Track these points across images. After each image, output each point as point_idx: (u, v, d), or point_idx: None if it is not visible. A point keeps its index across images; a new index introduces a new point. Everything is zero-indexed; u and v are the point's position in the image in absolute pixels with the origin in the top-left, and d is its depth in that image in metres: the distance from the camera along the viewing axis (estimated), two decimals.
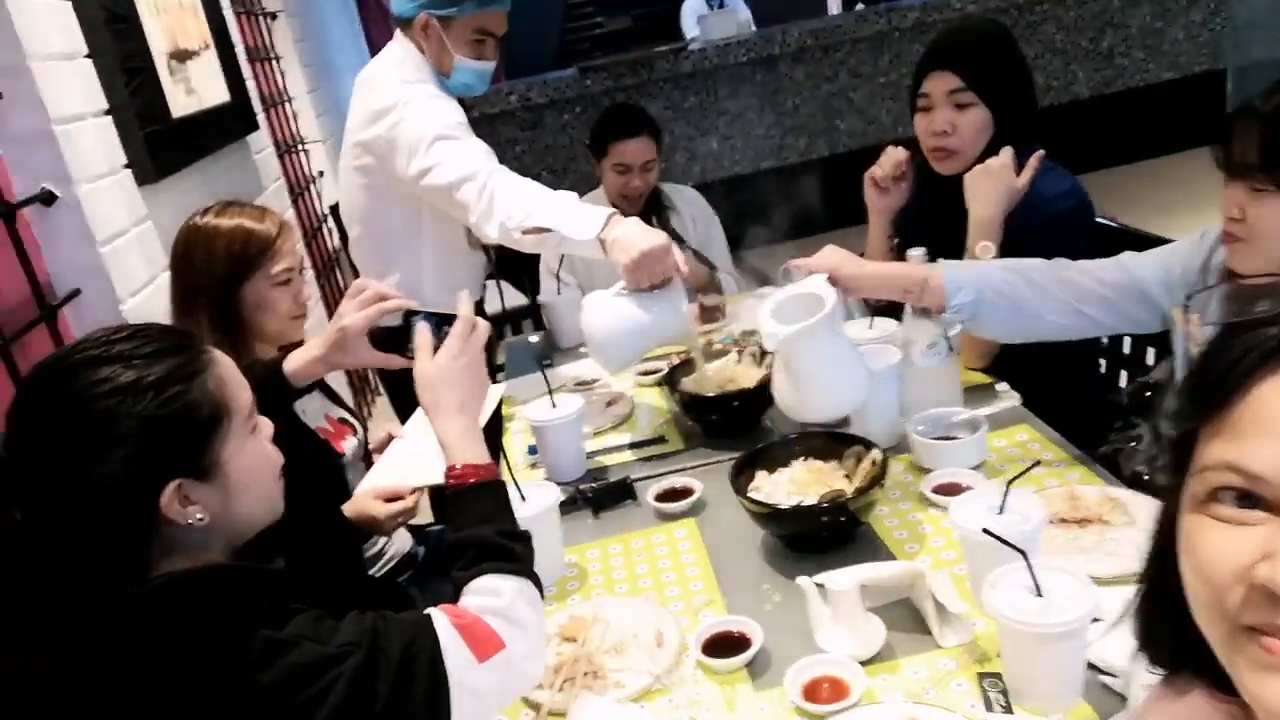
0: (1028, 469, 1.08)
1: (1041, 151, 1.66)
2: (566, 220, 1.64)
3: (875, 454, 1.28)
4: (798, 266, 1.36)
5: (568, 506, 1.47)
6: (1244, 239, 1.06)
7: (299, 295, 1.60)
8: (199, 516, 0.86)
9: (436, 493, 1.89)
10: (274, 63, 3.87)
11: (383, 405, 3.43)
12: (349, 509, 1.52)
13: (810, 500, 1.25)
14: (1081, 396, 1.83)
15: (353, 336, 1.33)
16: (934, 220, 1.79)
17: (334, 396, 1.74)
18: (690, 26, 6.16)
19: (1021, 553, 0.93)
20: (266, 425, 0.96)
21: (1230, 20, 5.57)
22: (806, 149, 5.49)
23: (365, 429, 1.77)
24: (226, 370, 0.91)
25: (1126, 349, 1.94)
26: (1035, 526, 1.03)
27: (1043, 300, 1.31)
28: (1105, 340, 1.94)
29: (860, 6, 6.28)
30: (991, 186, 1.62)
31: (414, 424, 1.68)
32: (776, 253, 4.03)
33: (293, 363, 1.37)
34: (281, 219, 1.60)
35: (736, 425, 1.65)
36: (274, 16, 4.02)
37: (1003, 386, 1.62)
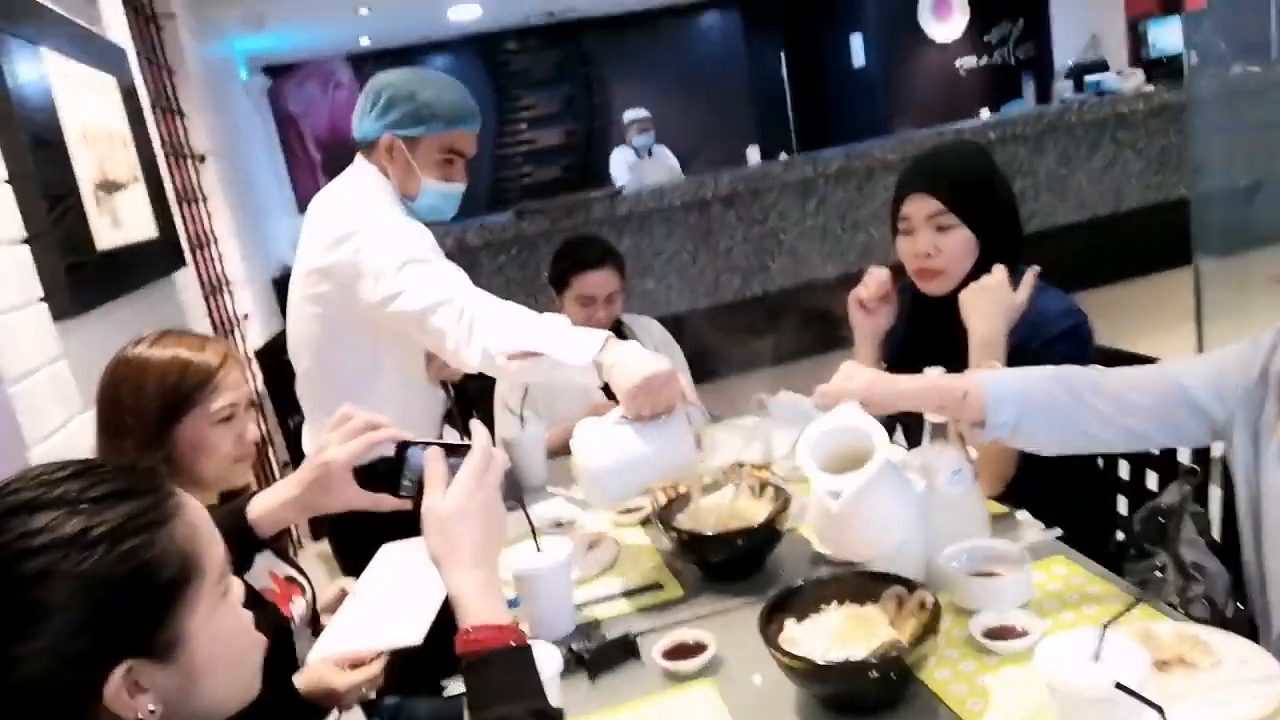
0: (1128, 608, 0.95)
1: (1037, 268, 1.62)
2: (559, 343, 1.50)
3: (924, 596, 1.14)
4: (824, 394, 1.24)
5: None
6: None
7: (244, 434, 1.41)
8: (150, 709, 0.65)
9: (397, 657, 1.64)
10: (201, 204, 3.75)
11: (307, 559, 3.13)
12: (301, 682, 1.28)
13: (857, 653, 1.09)
14: (1088, 525, 1.74)
15: (338, 473, 1.14)
16: (924, 343, 1.72)
17: (281, 551, 1.52)
18: (620, 175, 6.30)
19: (1158, 709, 0.78)
20: (238, 587, 0.77)
21: (1126, 167, 5.95)
22: (741, 288, 5.56)
23: (313, 588, 1.54)
24: (198, 517, 0.73)
25: (1125, 473, 1.87)
26: (1145, 676, 0.89)
27: (1084, 412, 1.21)
28: (1100, 462, 1.87)
29: (784, 156, 6.54)
30: (991, 303, 1.57)
31: (373, 576, 1.46)
32: (725, 388, 3.97)
33: (260, 506, 1.17)
34: (227, 349, 1.43)
35: (741, 567, 1.49)
36: (203, 159, 3.94)
37: (1024, 515, 1.51)
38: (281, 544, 1.52)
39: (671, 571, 1.55)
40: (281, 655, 1.33)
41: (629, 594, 1.50)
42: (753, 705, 1.17)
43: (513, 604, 1.48)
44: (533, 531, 1.40)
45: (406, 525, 1.60)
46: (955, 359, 1.56)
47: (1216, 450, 1.74)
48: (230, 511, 1.17)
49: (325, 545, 2.34)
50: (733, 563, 1.48)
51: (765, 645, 1.12)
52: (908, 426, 1.79)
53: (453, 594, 0.89)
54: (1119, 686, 0.82)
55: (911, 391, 1.25)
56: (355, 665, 1.29)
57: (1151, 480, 1.83)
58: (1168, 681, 1.04)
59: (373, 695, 1.29)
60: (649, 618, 1.42)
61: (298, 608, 1.44)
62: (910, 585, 1.17)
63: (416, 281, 1.61)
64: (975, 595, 1.24)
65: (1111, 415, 1.21)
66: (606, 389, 1.49)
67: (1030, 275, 1.60)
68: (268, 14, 5.61)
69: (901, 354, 1.79)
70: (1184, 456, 1.71)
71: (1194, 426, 1.21)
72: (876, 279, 1.80)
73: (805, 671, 1.08)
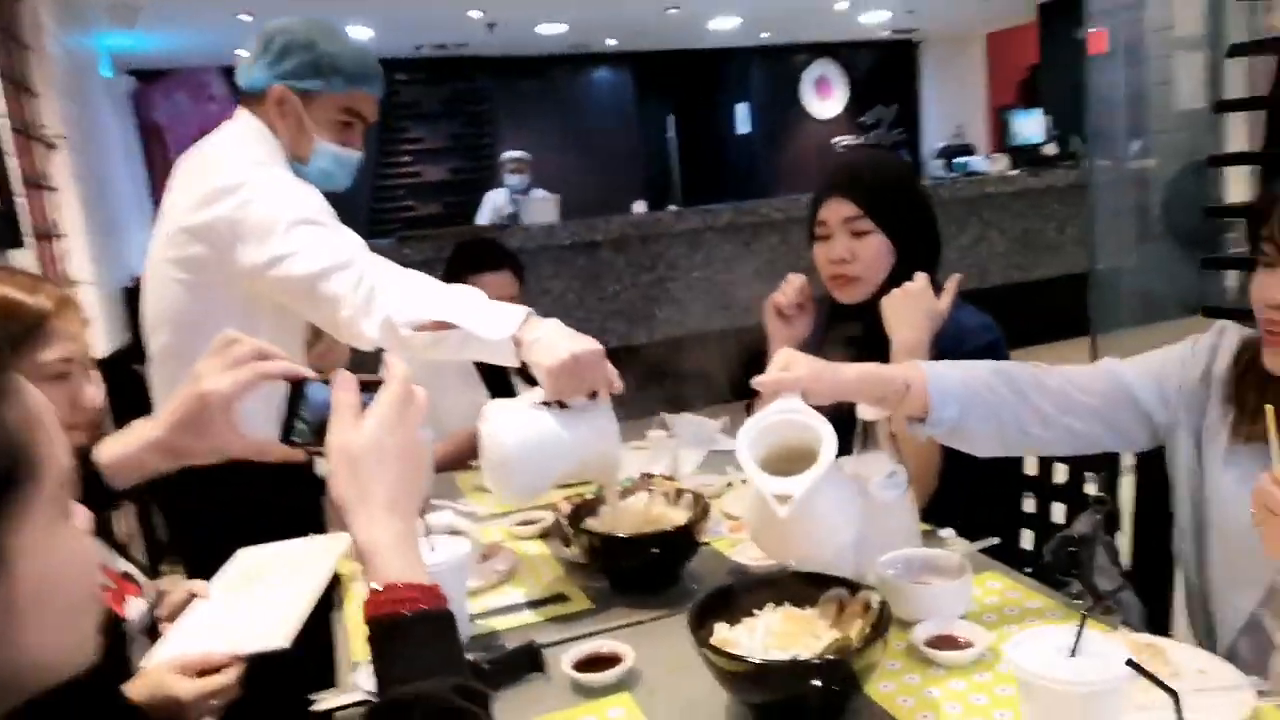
0: (1090, 610, 0.87)
1: (960, 276, 1.61)
2: (473, 315, 1.35)
3: (869, 597, 1.03)
4: (763, 385, 1.14)
5: None
6: None
7: (79, 397, 1.19)
8: None
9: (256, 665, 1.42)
10: (49, 192, 3.41)
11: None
12: (136, 691, 1.06)
13: (802, 655, 0.97)
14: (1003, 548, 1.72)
15: (217, 408, 0.93)
16: (840, 355, 1.67)
17: (117, 543, 1.28)
18: (485, 217, 6.26)
19: (1173, 694, 0.70)
20: (84, 515, 0.59)
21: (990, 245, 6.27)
22: (626, 334, 5.48)
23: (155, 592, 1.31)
24: (39, 407, 0.55)
25: (1030, 508, 1.85)
26: (1128, 673, 0.81)
27: (1025, 410, 1.16)
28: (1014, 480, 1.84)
29: (672, 208, 6.58)
30: (914, 310, 1.53)
31: (229, 577, 1.25)
32: None
33: (113, 450, 0.97)
34: (66, 294, 1.21)
35: (655, 577, 1.35)
36: (53, 145, 3.60)
37: (948, 533, 1.44)
38: (120, 532, 1.29)
39: (577, 584, 1.40)
40: (114, 662, 1.10)
41: (533, 605, 1.34)
42: (677, 719, 1.03)
43: None
44: (426, 531, 1.23)
45: (277, 528, 1.41)
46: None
47: (1130, 457, 1.76)
48: (74, 454, 0.95)
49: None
50: (647, 571, 1.34)
51: (696, 648, 0.99)
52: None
53: (363, 546, 0.73)
54: (1130, 663, 0.73)
55: (853, 382, 1.17)
56: (205, 672, 1.08)
57: (1058, 513, 1.82)
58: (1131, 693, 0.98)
59: (221, 709, 1.07)
60: (555, 629, 1.26)
61: (134, 609, 1.21)
62: (852, 587, 1.07)
63: (309, 243, 1.43)
64: (916, 604, 1.15)
65: (1053, 415, 1.16)
66: (526, 374, 1.34)
67: (952, 283, 1.58)
68: (141, 8, 5.26)
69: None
70: (1091, 479, 1.70)
71: (1136, 429, 1.18)
72: (795, 285, 1.74)
73: (744, 674, 0.95)
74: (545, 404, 1.28)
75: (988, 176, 6.48)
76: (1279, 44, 1.86)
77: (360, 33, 6.92)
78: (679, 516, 1.39)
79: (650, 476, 1.63)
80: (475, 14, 6.92)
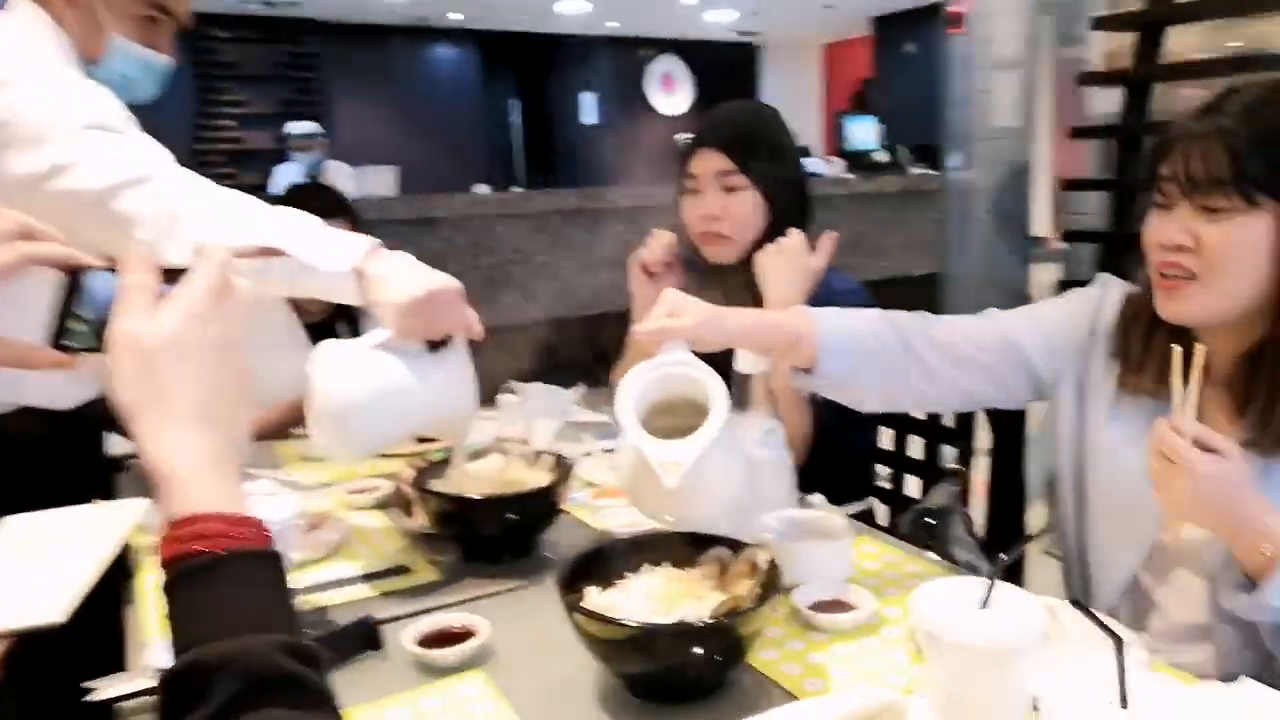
0: (1028, 539, 0.81)
1: (835, 234, 1.56)
2: (308, 242, 1.16)
3: (756, 556, 0.94)
4: (648, 333, 1.02)
5: None
6: (1197, 275, 0.94)
7: None
8: None
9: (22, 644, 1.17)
10: None
11: None
12: None
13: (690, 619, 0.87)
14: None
15: None
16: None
17: None
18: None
19: (1118, 639, 0.63)
20: None
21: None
22: None
23: None
24: None
25: (885, 480, 1.84)
26: (1046, 625, 0.75)
27: (912, 364, 1.10)
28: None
29: (517, 190, 6.40)
30: (789, 266, 1.47)
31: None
32: None
33: None
34: None
35: (511, 546, 1.22)
36: None
37: (817, 498, 1.38)
38: None
39: (421, 556, 1.24)
40: None
41: (369, 578, 1.17)
42: (540, 697, 0.91)
43: None
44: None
45: (53, 495, 1.17)
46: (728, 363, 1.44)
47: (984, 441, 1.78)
48: None
49: None
50: (502, 539, 1.21)
51: (567, 614, 0.87)
52: None
53: (155, 464, 0.56)
54: (1075, 603, 0.67)
55: (742, 329, 1.07)
56: None
57: (912, 486, 1.82)
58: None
59: None
60: (395, 604, 1.10)
61: None
62: (735, 546, 0.98)
63: (98, 152, 1.19)
64: (798, 567, 1.06)
65: (940, 368, 1.11)
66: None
67: (828, 240, 1.53)
68: None
69: None
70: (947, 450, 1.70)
71: (1021, 384, 1.14)
72: (662, 241, 1.65)
73: (623, 641, 0.84)
74: (391, 348, 1.12)
75: (825, 179, 6.67)
76: (1125, 76, 1.94)
77: None
78: (539, 479, 1.26)
79: (504, 440, 1.49)
80: None
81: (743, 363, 1.17)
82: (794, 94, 10.53)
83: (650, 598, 0.90)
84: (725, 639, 0.84)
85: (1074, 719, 0.61)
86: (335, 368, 1.08)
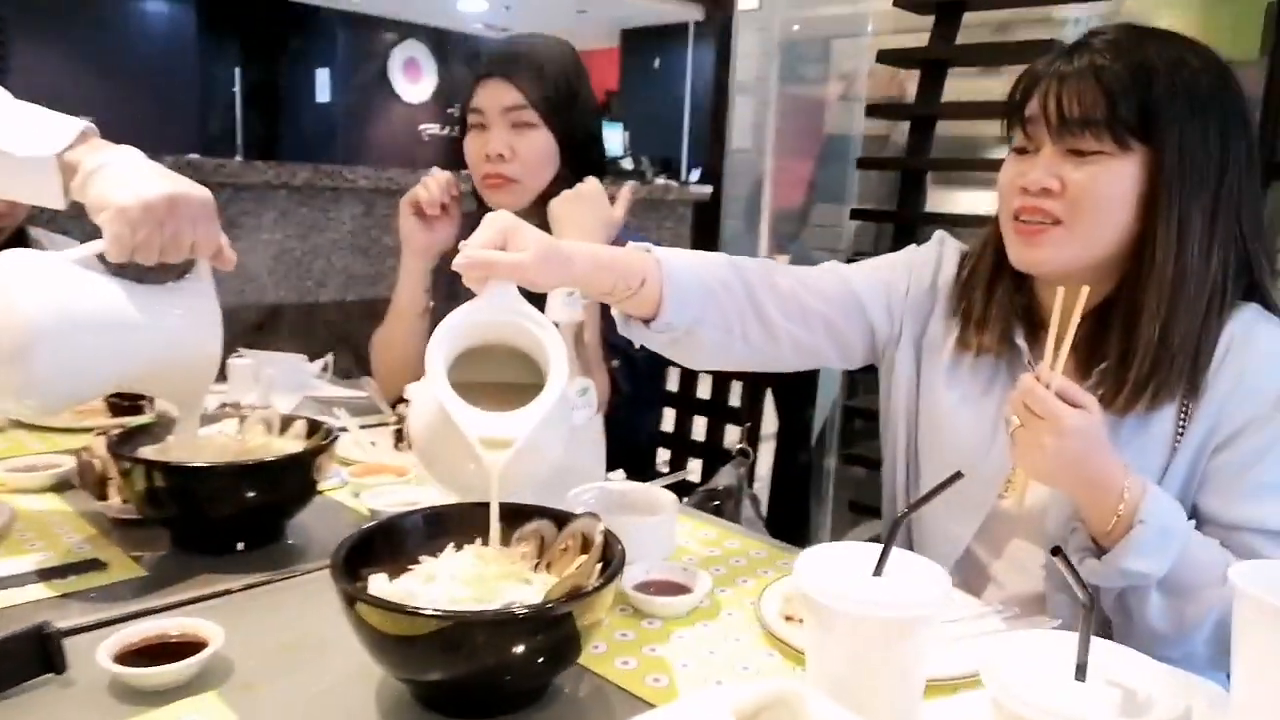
0: (943, 486, 0.69)
1: (634, 184, 1.43)
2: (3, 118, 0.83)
3: (589, 528, 0.76)
4: (475, 265, 0.78)
5: None
6: (1062, 221, 0.88)
7: None
8: None
9: None
10: None
11: None
12: None
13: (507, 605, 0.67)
14: None
15: None
16: None
17: None
18: None
19: (1091, 598, 0.52)
20: None
21: None
22: None
23: None
24: None
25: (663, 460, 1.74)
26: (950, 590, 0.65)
27: (750, 314, 0.96)
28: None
29: (238, 159, 5.75)
30: (588, 215, 1.32)
31: None
32: None
33: None
34: None
35: (249, 532, 0.95)
36: None
37: (616, 474, 1.23)
38: None
39: (120, 547, 0.94)
40: None
41: (44, 575, 0.86)
42: None
43: None
44: None
45: None
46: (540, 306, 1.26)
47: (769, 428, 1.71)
48: None
49: None
50: (240, 522, 0.94)
51: (347, 607, 0.64)
52: None
53: None
54: (1054, 551, 0.55)
55: (584, 270, 0.87)
56: None
57: (694, 468, 1.73)
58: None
59: None
60: (83, 609, 0.81)
61: None
62: (557, 517, 0.79)
63: None
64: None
65: (779, 321, 0.99)
66: None
67: (628, 190, 1.39)
68: None
69: (459, 285, 1.44)
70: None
71: (858, 341, 1.05)
72: (440, 180, 1.44)
73: (430, 636, 0.62)
74: (108, 268, 0.83)
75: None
76: (905, 108, 1.99)
77: None
78: (290, 447, 1.00)
79: (239, 405, 1.21)
80: None
81: (555, 310, 0.99)
82: None
83: (460, 584, 0.70)
84: (561, 629, 0.66)
85: (1030, 693, 0.50)
86: (17, 282, 0.77)
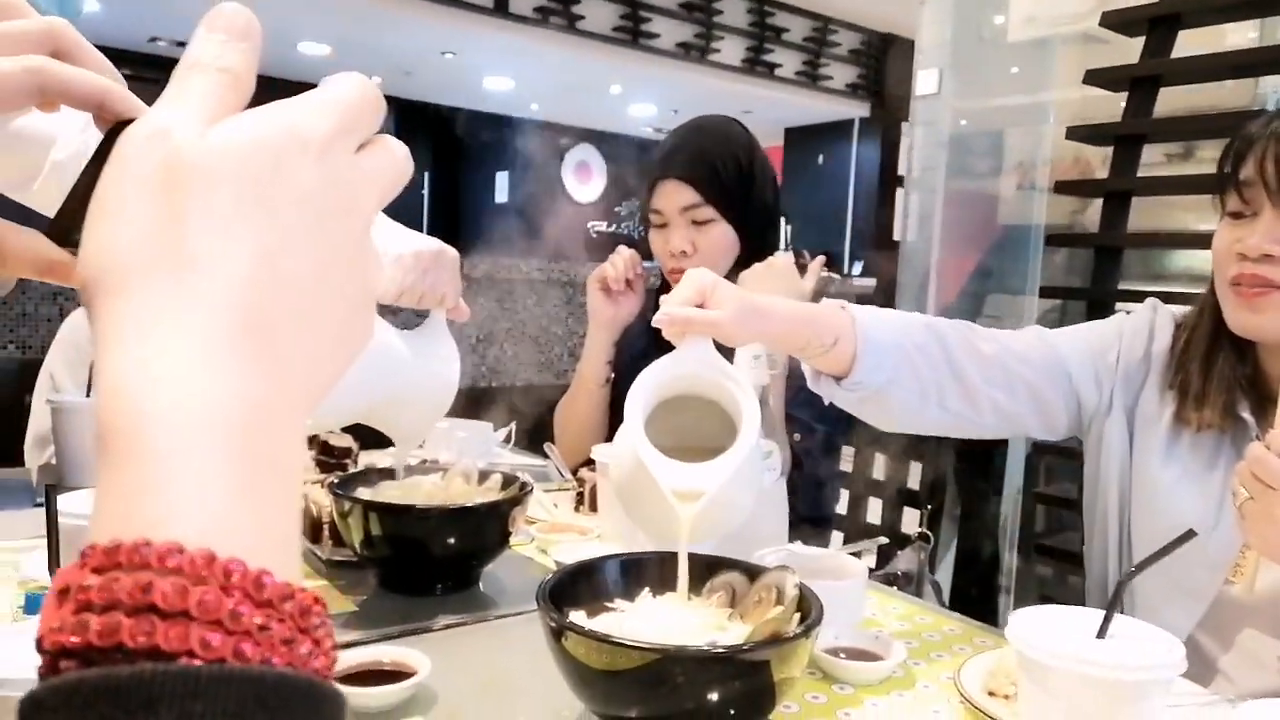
0: (1174, 544, 0.65)
1: (823, 257, 1.44)
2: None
3: (781, 580, 0.76)
4: (674, 322, 0.81)
5: None
6: None
7: None
8: None
9: None
10: None
11: None
12: None
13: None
14: None
15: None
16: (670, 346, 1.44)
17: None
18: None
19: None
20: None
21: None
22: None
23: None
24: None
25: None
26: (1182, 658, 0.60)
27: (951, 379, 0.95)
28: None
29: None
30: (777, 287, 1.33)
31: None
32: None
33: None
34: None
35: (449, 574, 1.00)
36: None
37: (795, 545, 1.21)
38: None
39: (334, 586, 1.01)
40: None
41: None
42: None
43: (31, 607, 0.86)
44: (53, 537, 0.82)
45: None
46: None
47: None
48: None
49: None
50: (442, 564, 0.99)
51: (551, 638, 0.67)
52: None
53: (123, 401, 0.24)
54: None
55: (779, 326, 0.89)
56: None
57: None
58: None
59: None
60: None
61: None
62: (749, 570, 0.80)
63: None
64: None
65: (980, 387, 0.96)
66: None
67: (817, 264, 1.40)
68: None
69: (641, 357, 1.48)
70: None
71: (1061, 411, 1.01)
72: (625, 257, 1.50)
73: (635, 670, 0.63)
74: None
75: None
76: (1098, 184, 1.93)
77: (85, 4, 6.00)
78: (490, 496, 1.05)
79: (438, 462, 1.28)
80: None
81: (742, 371, 1.01)
82: None
83: (654, 624, 0.71)
84: (759, 675, 0.65)
85: None
86: None
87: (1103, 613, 0.62)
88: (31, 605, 0.86)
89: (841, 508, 1.72)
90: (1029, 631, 0.61)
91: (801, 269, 1.43)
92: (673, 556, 0.79)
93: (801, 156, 9.68)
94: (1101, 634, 0.61)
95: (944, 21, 3.73)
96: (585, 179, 10.35)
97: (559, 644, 0.66)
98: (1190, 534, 0.64)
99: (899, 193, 5.87)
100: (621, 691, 0.66)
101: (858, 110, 8.72)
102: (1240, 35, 1.74)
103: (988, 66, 4.13)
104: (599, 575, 0.79)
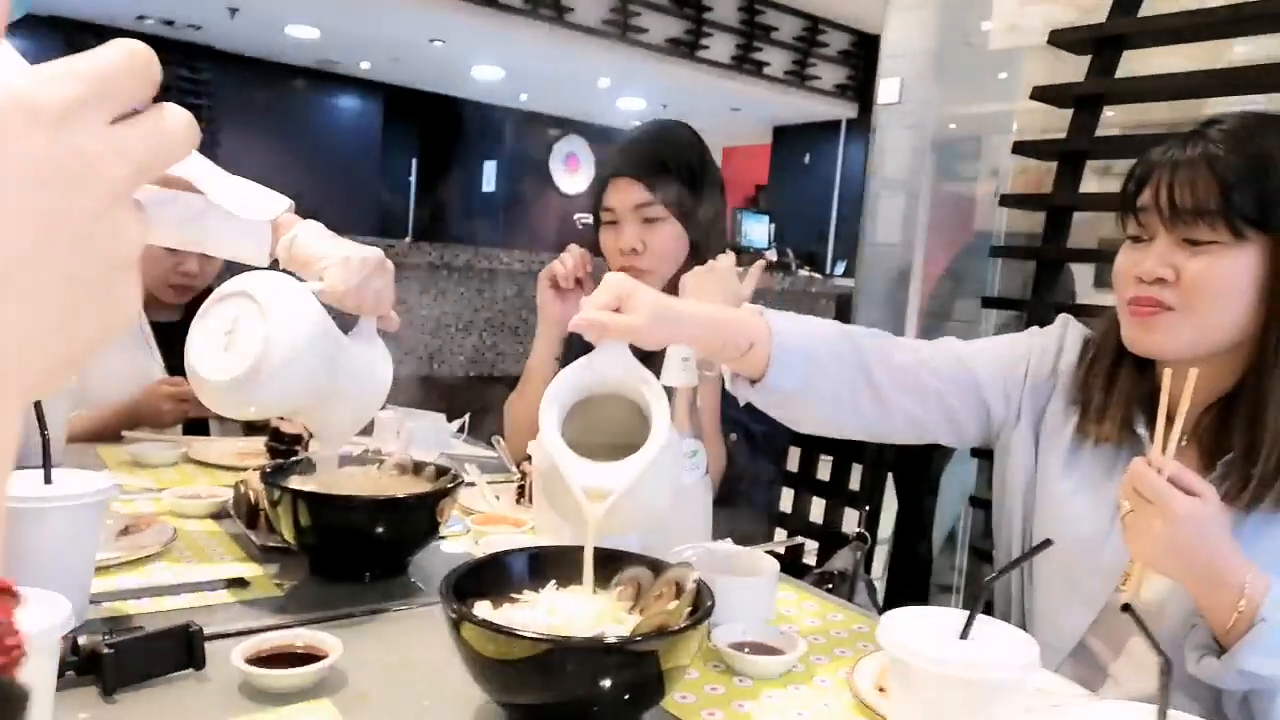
0: (1030, 553, 0.68)
1: (763, 261, 1.48)
2: (225, 187, 1.00)
3: (682, 576, 0.79)
4: (592, 326, 0.84)
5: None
6: (1174, 308, 0.87)
7: None
8: None
9: None
10: None
11: None
12: None
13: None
14: None
15: None
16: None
17: None
18: None
19: (1167, 660, 0.52)
20: None
21: None
22: None
23: None
24: None
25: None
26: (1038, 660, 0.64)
27: (862, 386, 0.98)
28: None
29: (407, 240, 6.19)
30: (717, 289, 1.36)
31: None
32: None
33: None
34: None
35: (375, 562, 1.03)
36: None
37: (726, 543, 1.25)
38: None
39: (264, 570, 1.04)
40: None
41: (194, 589, 0.96)
42: None
43: None
44: (45, 455, 0.84)
45: None
46: (657, 370, 1.31)
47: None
48: None
49: None
50: (369, 552, 1.02)
51: (452, 626, 0.69)
52: None
53: None
54: (1124, 608, 0.55)
55: (697, 327, 0.92)
56: None
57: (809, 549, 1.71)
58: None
59: None
60: (225, 617, 0.90)
61: None
62: (654, 565, 0.83)
63: None
64: (719, 603, 0.91)
65: (892, 395, 1.00)
66: None
67: (756, 269, 1.43)
68: None
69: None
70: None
71: (971, 421, 1.05)
72: (576, 256, 1.53)
73: (526, 660, 0.67)
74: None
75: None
76: (1040, 199, 1.98)
77: None
78: (419, 487, 1.08)
79: (379, 452, 1.30)
80: None
81: (671, 374, 1.04)
82: None
83: (556, 614, 0.74)
84: (646, 665, 0.68)
85: None
86: (288, 303, 0.91)
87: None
88: None
89: (787, 506, 1.75)
90: (897, 631, 0.65)
91: (784, 267, 1.47)
92: (580, 550, 0.82)
93: (788, 155, 9.71)
94: (964, 635, 0.64)
95: (918, 27, 3.76)
96: (573, 169, 10.35)
97: (458, 633, 0.69)
98: (1047, 543, 0.67)
99: (866, 195, 5.91)
100: (516, 679, 0.69)
101: (845, 111, 8.74)
102: (1190, 56, 1.77)
103: (969, 72, 4.17)
104: (508, 567, 0.82)
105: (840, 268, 9.03)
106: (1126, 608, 0.54)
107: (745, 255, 7.74)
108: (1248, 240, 0.84)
